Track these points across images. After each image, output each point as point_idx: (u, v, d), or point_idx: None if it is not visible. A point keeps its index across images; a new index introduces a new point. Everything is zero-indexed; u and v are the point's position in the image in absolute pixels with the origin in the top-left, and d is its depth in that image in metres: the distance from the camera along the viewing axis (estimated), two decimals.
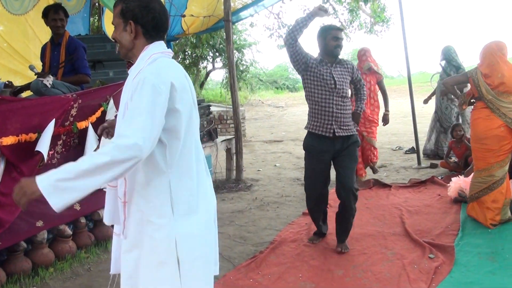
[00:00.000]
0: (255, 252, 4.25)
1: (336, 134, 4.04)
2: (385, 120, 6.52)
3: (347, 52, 35.29)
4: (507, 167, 4.44)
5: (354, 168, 4.20)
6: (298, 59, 4.08)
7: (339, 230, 4.22)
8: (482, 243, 4.18)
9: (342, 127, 4.07)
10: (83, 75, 4.84)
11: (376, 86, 6.63)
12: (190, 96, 2.06)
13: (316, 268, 3.83)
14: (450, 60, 7.53)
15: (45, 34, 5.57)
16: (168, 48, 2.12)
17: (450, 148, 6.99)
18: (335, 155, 4.13)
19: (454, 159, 7.06)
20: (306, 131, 4.26)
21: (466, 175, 5.81)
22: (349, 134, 4.12)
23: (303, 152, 4.37)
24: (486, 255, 3.93)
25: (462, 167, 6.57)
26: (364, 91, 4.42)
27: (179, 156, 2.00)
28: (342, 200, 4.10)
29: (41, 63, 5.09)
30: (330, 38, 4.09)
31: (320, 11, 4.01)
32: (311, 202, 4.34)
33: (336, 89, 4.04)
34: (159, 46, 2.08)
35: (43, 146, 3.74)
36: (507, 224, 4.28)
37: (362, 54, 6.70)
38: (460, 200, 5.40)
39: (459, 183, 5.55)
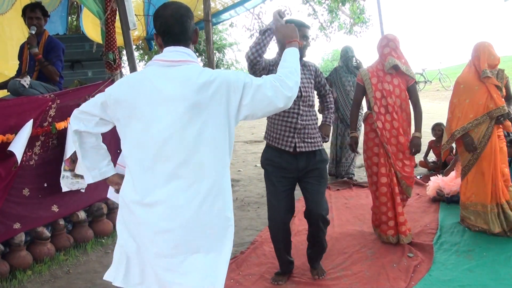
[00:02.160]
0: (236, 252, 4.26)
1: (298, 149, 3.44)
2: (414, 146, 4.25)
3: (327, 53, 35.63)
4: None
5: (324, 192, 3.58)
6: (259, 71, 3.30)
7: (312, 254, 3.76)
8: (460, 241, 4.25)
9: (305, 140, 3.46)
10: (54, 68, 4.75)
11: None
12: (128, 106, 2.10)
13: (297, 268, 3.85)
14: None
15: (21, 33, 5.49)
16: (177, 46, 2.15)
17: (429, 147, 7.08)
18: (300, 175, 3.51)
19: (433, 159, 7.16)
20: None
21: (445, 175, 5.91)
22: (314, 149, 3.51)
23: None
24: (464, 253, 4.00)
25: (441, 167, 6.66)
26: (331, 99, 3.84)
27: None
28: (311, 226, 3.60)
29: (18, 62, 5.02)
30: (300, 36, 3.27)
31: (276, 19, 3.15)
32: (274, 232, 3.59)
33: (302, 97, 3.43)
34: (163, 53, 2.15)
35: (17, 146, 3.69)
36: None
37: (385, 45, 4.31)
38: (439, 199, 5.49)
39: (438, 182, 5.64)
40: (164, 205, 2.04)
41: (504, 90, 4.38)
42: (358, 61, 6.84)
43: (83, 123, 2.26)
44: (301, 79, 3.34)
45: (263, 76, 2.17)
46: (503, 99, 4.30)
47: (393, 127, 4.22)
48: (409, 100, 4.32)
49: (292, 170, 3.48)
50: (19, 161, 3.71)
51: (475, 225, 4.39)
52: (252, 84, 2.07)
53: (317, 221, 3.50)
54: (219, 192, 2.09)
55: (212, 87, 2.02)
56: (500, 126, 4.35)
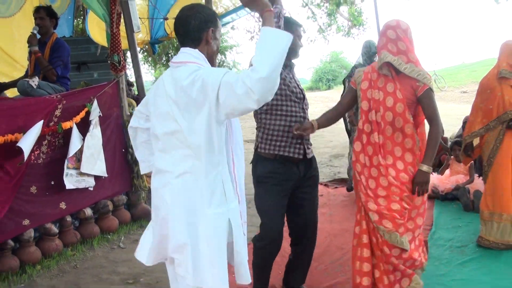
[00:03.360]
0: None
1: (307, 155, 3.07)
2: (418, 184, 2.90)
3: (325, 55, 35.62)
4: None
5: (318, 200, 3.28)
6: None
7: (299, 273, 3.37)
8: (453, 237, 4.29)
9: (309, 146, 3.12)
10: (53, 69, 4.74)
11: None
12: (151, 104, 2.26)
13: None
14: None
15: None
16: (184, 47, 2.18)
17: None
18: (297, 184, 3.10)
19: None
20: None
21: (440, 173, 5.93)
22: (313, 154, 3.20)
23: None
24: (457, 248, 4.03)
25: (436, 165, 6.68)
26: (306, 103, 3.20)
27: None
28: (306, 239, 3.23)
29: (27, 63, 5.06)
30: (296, 36, 2.99)
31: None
32: (271, 250, 3.11)
33: (304, 100, 3.12)
34: (176, 55, 2.21)
35: (25, 143, 3.71)
36: (476, 218, 4.37)
37: (382, 34, 3.05)
38: (434, 196, 5.51)
39: (433, 180, 5.66)
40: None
41: None
42: None
43: (137, 120, 2.46)
44: (297, 81, 3.12)
45: (243, 70, 2.05)
46: None
47: (377, 153, 2.95)
48: (418, 116, 3.00)
49: (294, 179, 3.06)
50: (25, 158, 3.72)
51: (484, 238, 3.97)
52: (227, 82, 1.92)
53: (315, 232, 3.25)
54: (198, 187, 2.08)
55: (195, 87, 1.99)
56: None
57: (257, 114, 3.07)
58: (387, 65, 2.93)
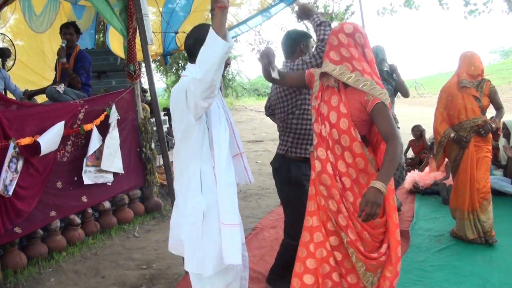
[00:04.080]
0: None
1: None
2: (364, 203, 2.00)
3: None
4: None
5: None
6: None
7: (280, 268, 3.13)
8: (432, 227, 4.30)
9: None
10: (78, 77, 4.79)
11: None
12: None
13: None
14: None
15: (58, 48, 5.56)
16: (188, 63, 2.23)
17: (409, 146, 7.08)
18: None
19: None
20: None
21: (421, 170, 5.94)
22: None
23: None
24: (435, 237, 4.05)
25: (417, 163, 6.69)
26: None
27: None
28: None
29: (55, 72, 5.10)
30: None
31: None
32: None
33: None
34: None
35: (44, 139, 3.69)
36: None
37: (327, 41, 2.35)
38: (415, 191, 5.53)
39: (414, 176, 5.68)
40: None
41: (483, 101, 3.77)
42: (391, 65, 4.57)
43: None
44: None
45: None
46: (478, 111, 3.75)
47: (337, 173, 2.22)
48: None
49: None
50: (41, 152, 3.66)
51: (455, 233, 3.96)
52: (189, 84, 1.98)
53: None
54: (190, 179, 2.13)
55: (181, 95, 2.04)
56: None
57: (288, 118, 2.84)
58: (330, 76, 2.23)
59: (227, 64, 2.14)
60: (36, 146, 3.65)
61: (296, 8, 2.58)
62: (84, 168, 4.28)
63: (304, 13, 2.90)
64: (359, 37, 2.22)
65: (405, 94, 4.65)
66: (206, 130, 2.13)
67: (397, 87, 4.58)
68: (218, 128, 2.14)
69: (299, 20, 3.14)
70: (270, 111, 3.28)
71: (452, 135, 3.84)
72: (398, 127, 4.25)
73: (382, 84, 2.20)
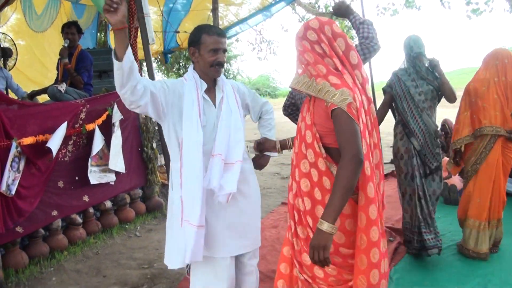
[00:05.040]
0: None
1: None
2: (311, 248, 1.75)
3: None
4: None
5: None
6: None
7: None
8: None
9: None
10: (80, 77, 4.82)
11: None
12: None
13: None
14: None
15: (59, 47, 5.58)
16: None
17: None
18: None
19: None
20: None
21: None
22: None
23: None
24: None
25: None
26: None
27: None
28: None
29: (56, 72, 5.10)
30: None
31: None
32: None
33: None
34: None
35: (53, 143, 3.73)
36: (453, 209, 4.38)
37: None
38: None
39: None
40: None
41: None
42: (431, 60, 3.57)
43: None
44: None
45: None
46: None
47: (297, 194, 1.96)
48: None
49: None
50: (53, 156, 3.74)
51: (463, 246, 3.60)
52: None
53: None
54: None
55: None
56: None
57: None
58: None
59: (221, 63, 2.26)
60: (39, 146, 3.67)
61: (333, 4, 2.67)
62: (89, 168, 4.29)
63: (341, 10, 2.95)
64: (310, 34, 1.88)
65: (451, 98, 3.48)
66: (172, 130, 2.26)
67: (440, 89, 3.49)
68: (189, 130, 2.19)
69: (334, 17, 3.11)
70: (289, 110, 3.20)
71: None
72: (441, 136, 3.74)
73: (347, 83, 1.80)
